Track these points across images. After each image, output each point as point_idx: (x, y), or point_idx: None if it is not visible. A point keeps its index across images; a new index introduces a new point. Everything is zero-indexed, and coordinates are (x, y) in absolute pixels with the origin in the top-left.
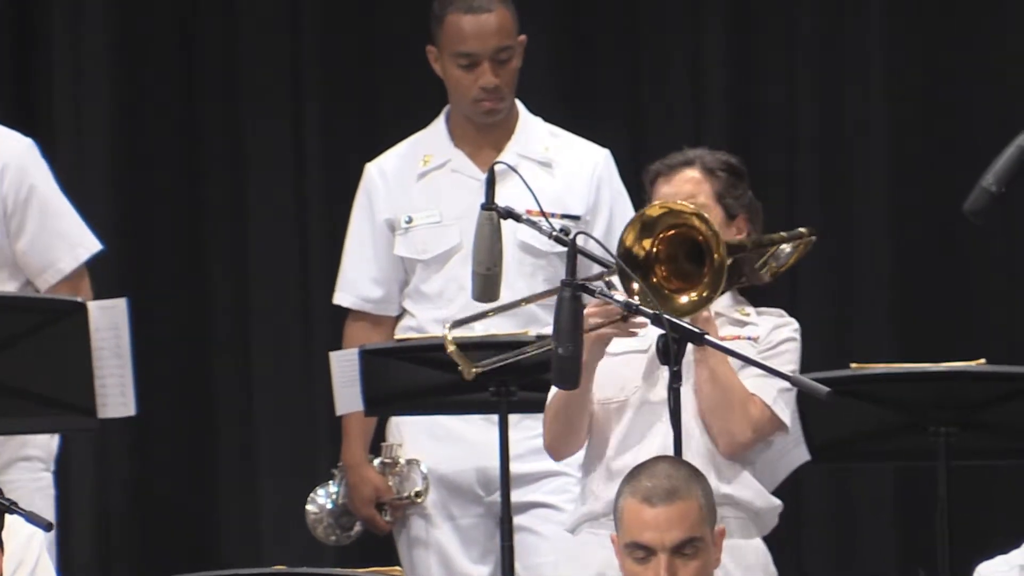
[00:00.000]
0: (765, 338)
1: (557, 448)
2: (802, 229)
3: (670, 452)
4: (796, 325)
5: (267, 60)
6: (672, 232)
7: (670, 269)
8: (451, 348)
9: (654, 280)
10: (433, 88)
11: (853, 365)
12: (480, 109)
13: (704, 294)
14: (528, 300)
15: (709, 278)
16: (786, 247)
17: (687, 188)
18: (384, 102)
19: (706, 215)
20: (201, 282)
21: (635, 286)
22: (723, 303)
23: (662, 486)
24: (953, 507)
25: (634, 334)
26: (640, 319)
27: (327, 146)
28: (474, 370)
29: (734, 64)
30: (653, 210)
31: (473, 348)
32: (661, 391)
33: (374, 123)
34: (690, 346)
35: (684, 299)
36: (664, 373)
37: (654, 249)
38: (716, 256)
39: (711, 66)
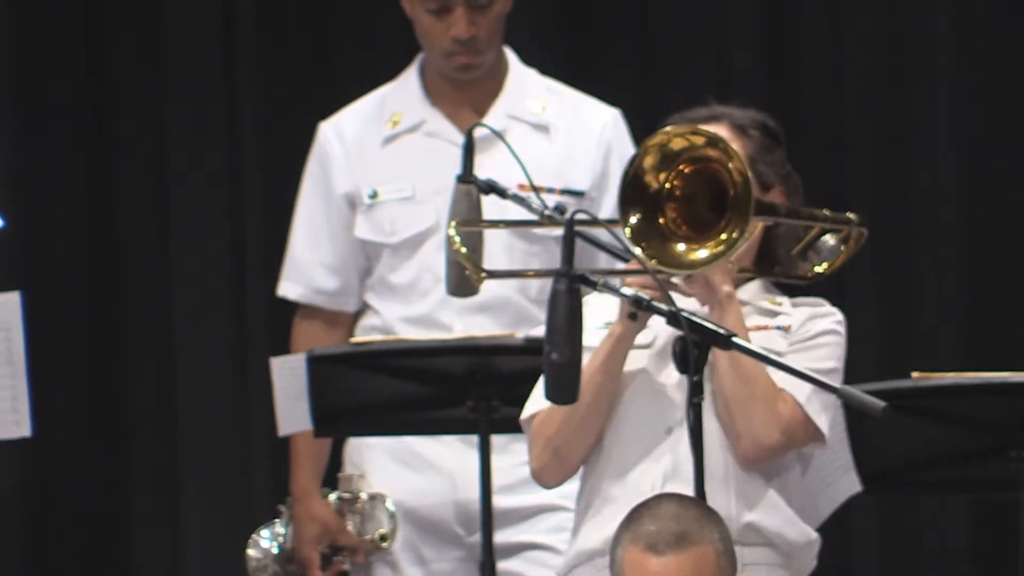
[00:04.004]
0: (798, 328)
1: (555, 469)
2: (851, 215)
3: (680, 468)
4: (839, 316)
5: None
6: (694, 167)
7: (682, 212)
8: (457, 247)
9: (661, 221)
10: (403, 29)
11: (915, 375)
12: (452, 64)
13: (720, 249)
14: None
15: (731, 219)
16: (830, 239)
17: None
18: (339, 46)
19: (734, 149)
20: (112, 271)
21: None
22: (751, 290)
23: (669, 530)
24: None
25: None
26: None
27: (267, 102)
28: (483, 275)
29: (767, 9)
30: (677, 142)
31: (449, 354)
32: (670, 395)
33: (326, 72)
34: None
35: (699, 253)
36: (673, 373)
37: (668, 184)
38: (738, 190)
39: (738, 10)
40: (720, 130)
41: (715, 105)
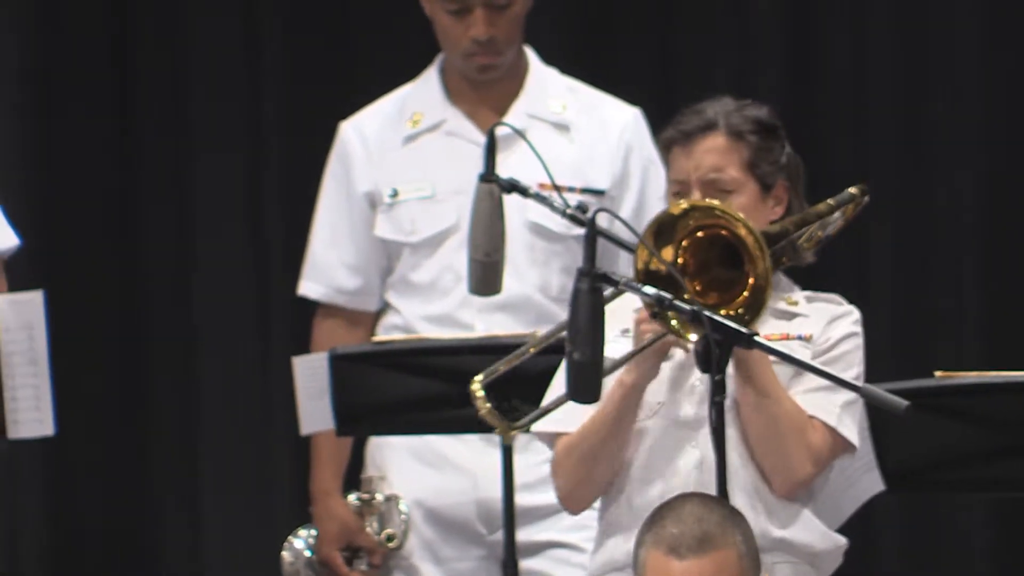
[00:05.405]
0: (820, 336)
1: (581, 497)
2: (852, 189)
3: (705, 482)
4: (857, 315)
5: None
6: (699, 234)
7: (703, 281)
8: (481, 404)
9: (688, 298)
10: (423, 29)
11: (938, 373)
12: (472, 65)
13: (758, 292)
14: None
15: (749, 296)
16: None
17: (711, 160)
18: (360, 46)
19: (742, 217)
20: (134, 270)
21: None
22: None
23: (691, 533)
24: None
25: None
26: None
27: (288, 102)
28: (513, 432)
29: (789, 3)
30: (674, 208)
31: (470, 352)
32: (691, 407)
33: (348, 72)
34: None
35: (738, 309)
36: (695, 384)
37: (679, 261)
38: (759, 276)
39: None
40: (716, 140)
41: (707, 107)
